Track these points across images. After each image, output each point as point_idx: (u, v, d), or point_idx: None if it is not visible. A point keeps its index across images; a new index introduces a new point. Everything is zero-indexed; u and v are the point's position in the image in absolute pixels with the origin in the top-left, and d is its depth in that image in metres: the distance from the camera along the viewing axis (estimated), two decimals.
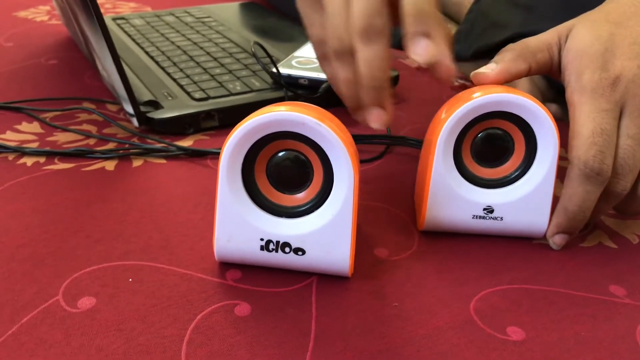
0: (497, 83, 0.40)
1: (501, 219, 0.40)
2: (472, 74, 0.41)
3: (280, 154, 0.36)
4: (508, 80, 0.41)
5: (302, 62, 0.63)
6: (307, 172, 0.36)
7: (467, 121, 0.38)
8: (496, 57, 0.42)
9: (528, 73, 0.41)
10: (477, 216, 0.40)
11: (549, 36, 0.42)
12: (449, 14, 0.87)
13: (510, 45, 0.42)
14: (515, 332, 0.34)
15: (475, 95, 0.38)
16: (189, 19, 0.83)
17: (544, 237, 0.41)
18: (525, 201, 0.39)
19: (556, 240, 0.41)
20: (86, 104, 0.60)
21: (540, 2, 0.72)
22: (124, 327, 0.33)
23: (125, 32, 0.77)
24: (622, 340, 0.34)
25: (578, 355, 0.32)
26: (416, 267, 0.39)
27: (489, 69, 0.41)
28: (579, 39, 0.40)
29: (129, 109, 0.53)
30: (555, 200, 0.40)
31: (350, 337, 0.33)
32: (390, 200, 0.46)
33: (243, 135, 0.34)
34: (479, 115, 0.38)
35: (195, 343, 0.32)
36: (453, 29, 0.83)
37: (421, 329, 0.34)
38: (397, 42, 0.38)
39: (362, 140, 0.55)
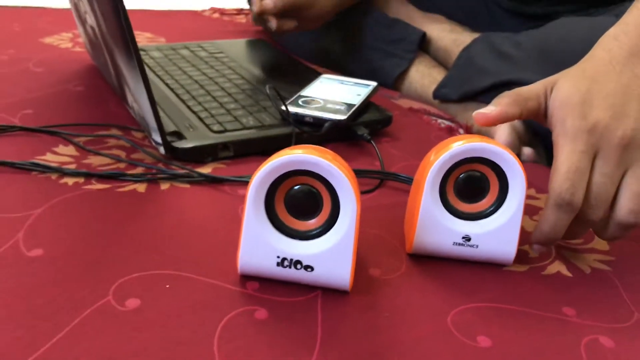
0: (495, 122, 0.49)
1: (477, 246, 0.47)
2: (474, 113, 0.49)
3: (296, 187, 0.43)
4: (504, 121, 0.49)
5: (308, 101, 0.71)
6: (317, 202, 0.44)
7: (452, 164, 0.46)
8: (494, 102, 0.50)
9: (520, 117, 0.49)
10: (457, 243, 0.47)
11: (537, 88, 0.50)
12: (438, 59, 0.96)
13: (506, 92, 0.50)
14: (484, 341, 0.41)
15: (458, 143, 0.46)
16: (202, 54, 0.91)
17: (512, 264, 0.49)
18: (497, 233, 0.47)
19: (535, 248, 0.51)
20: (114, 131, 0.67)
21: (522, 54, 0.81)
22: (166, 323, 0.40)
23: (146, 63, 0.85)
24: (569, 351, 0.41)
25: None
26: (404, 285, 0.46)
27: (489, 111, 0.49)
28: (562, 92, 0.48)
29: (157, 138, 0.61)
30: (523, 231, 0.48)
31: (348, 340, 0.40)
32: (383, 228, 0.54)
33: (267, 173, 0.42)
34: (462, 160, 0.46)
35: (224, 338, 0.39)
36: (442, 73, 0.92)
37: (406, 336, 0.41)
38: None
39: (359, 174, 0.63)
